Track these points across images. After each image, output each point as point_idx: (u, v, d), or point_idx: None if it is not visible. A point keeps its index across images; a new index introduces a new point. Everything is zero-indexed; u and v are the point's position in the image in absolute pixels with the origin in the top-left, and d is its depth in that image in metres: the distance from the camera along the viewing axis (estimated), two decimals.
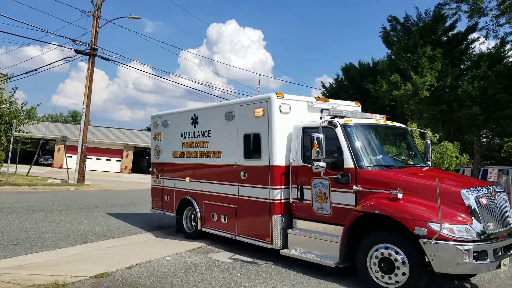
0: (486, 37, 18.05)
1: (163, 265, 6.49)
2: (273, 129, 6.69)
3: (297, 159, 6.59)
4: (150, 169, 10.54)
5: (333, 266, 5.82)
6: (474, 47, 19.41)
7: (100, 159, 47.24)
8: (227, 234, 7.73)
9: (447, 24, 19.12)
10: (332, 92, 28.85)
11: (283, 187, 6.72)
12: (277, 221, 6.66)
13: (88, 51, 22.80)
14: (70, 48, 22.06)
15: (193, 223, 8.73)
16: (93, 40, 22.94)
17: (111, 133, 51.96)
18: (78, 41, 22.16)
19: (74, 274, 5.61)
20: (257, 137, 7.02)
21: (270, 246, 6.73)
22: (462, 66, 18.47)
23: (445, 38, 19.31)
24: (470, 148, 17.90)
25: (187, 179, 8.87)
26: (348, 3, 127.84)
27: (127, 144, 48.31)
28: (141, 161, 61.22)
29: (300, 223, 6.64)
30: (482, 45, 30.58)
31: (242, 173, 7.33)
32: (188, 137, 8.85)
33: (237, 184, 7.47)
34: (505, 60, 17.57)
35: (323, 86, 31.19)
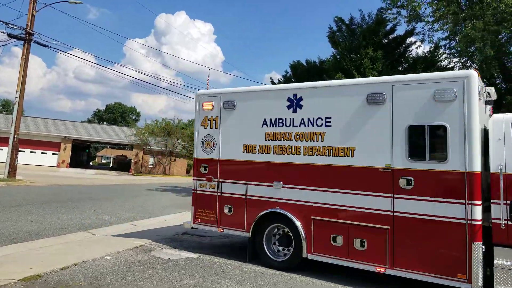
0: (422, 41, 19.27)
1: (102, 264, 6.19)
2: (473, 120, 4.96)
3: (509, 164, 4.92)
4: (192, 168, 8.10)
5: None
6: (411, 50, 20.63)
7: (35, 152, 44.21)
8: (367, 266, 5.53)
9: (388, 27, 20.10)
10: None
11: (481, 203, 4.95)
12: (478, 250, 4.81)
13: (23, 35, 21.19)
14: (3, 32, 20.37)
15: (285, 248, 6.49)
16: (29, 24, 21.34)
17: (47, 125, 48.78)
18: (11, 24, 20.54)
19: (0, 277, 5.17)
20: (438, 130, 5.18)
21: (465, 287, 4.86)
22: (400, 68, 19.52)
23: (386, 41, 20.28)
24: None
25: (277, 184, 6.45)
26: (299, 2, 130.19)
27: (65, 137, 45.58)
28: (81, 155, 58.16)
29: (507, 253, 4.86)
30: (419, 48, 32.57)
31: (403, 180, 5.33)
32: (279, 126, 6.53)
33: (391, 195, 5.41)
34: (438, 63, 18.88)
35: (272, 82, 31.53)
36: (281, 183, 6.41)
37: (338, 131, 5.96)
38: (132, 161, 49.60)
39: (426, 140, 5.24)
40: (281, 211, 6.35)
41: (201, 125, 7.48)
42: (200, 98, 7.56)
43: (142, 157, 49.04)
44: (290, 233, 6.33)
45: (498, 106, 15.03)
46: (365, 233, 5.56)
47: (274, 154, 6.55)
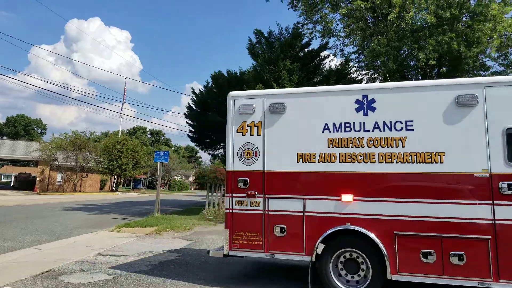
0: (335, 55, 20.60)
1: None
2: None
3: None
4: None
5: None
6: (325, 63, 21.89)
7: None
8: (467, 281, 4.98)
9: (304, 41, 21.09)
10: (201, 99, 28.98)
11: None
12: None
13: None
14: None
15: (355, 273, 5.54)
16: None
17: None
18: None
19: None
20: None
21: None
22: (315, 80, 20.54)
23: (302, 54, 21.24)
24: None
25: (346, 197, 5.57)
26: (220, 9, 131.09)
27: None
28: None
29: None
30: (332, 62, 34.73)
31: (503, 185, 4.97)
32: (346, 131, 5.76)
33: (490, 202, 5.02)
34: (349, 76, 20.28)
35: (193, 92, 31.08)
36: (352, 195, 5.54)
37: (422, 136, 5.40)
38: (37, 178, 45.06)
39: None
40: (355, 227, 5.41)
41: (237, 132, 6.27)
42: (235, 100, 6.37)
43: (49, 174, 44.83)
44: (363, 255, 5.46)
45: None
46: (463, 246, 5.03)
47: (340, 163, 5.70)
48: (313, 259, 5.52)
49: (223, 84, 27.03)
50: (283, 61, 19.51)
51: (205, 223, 14.71)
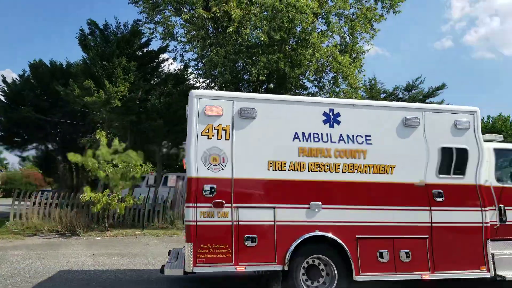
0: (174, 59, 20.36)
1: None
2: (480, 145, 6.37)
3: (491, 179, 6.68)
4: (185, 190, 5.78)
5: None
6: (164, 66, 21.36)
7: None
8: (411, 275, 5.81)
9: (143, 40, 20.13)
10: (14, 91, 24.60)
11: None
12: (489, 245, 6.13)
13: None
14: None
15: (321, 278, 5.72)
16: None
17: None
18: None
19: None
20: (461, 152, 6.28)
21: (487, 275, 6.02)
22: (152, 82, 19.81)
23: (140, 53, 20.22)
24: (153, 157, 19.29)
25: (315, 205, 5.68)
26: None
27: None
28: None
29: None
30: (171, 65, 34.33)
31: (435, 193, 6.08)
32: (315, 141, 5.90)
33: (428, 208, 6.02)
34: (187, 82, 20.22)
35: (4, 81, 26.22)
36: (320, 203, 5.70)
37: (378, 149, 6.03)
38: None
39: (453, 159, 6.21)
40: (322, 234, 5.62)
41: (201, 135, 5.66)
42: (200, 100, 5.79)
43: None
44: (329, 260, 5.71)
45: None
46: (409, 245, 5.85)
47: (309, 171, 5.78)
48: (286, 268, 5.45)
49: (44, 75, 23.67)
50: (119, 58, 18.14)
51: (10, 237, 12.21)
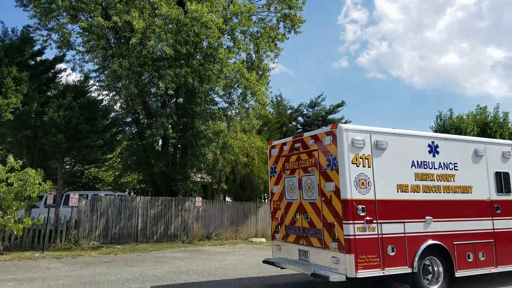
0: (73, 70, 19.05)
1: None
2: None
3: None
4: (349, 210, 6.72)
5: None
6: (61, 77, 19.85)
7: None
8: (484, 270, 7.96)
9: (36, 48, 18.52)
10: None
11: None
12: None
13: None
14: None
15: (434, 276, 7.55)
16: None
17: None
18: None
19: None
20: (506, 175, 8.70)
21: None
22: (49, 94, 18.30)
23: (33, 62, 18.56)
24: (55, 174, 17.84)
25: (429, 219, 7.51)
26: None
27: None
28: None
29: None
30: (69, 76, 31.94)
31: (495, 207, 8.37)
32: (424, 168, 7.73)
33: (491, 218, 8.25)
34: (88, 94, 19.08)
35: None
36: (431, 217, 7.47)
37: (462, 174, 8.05)
38: None
39: (502, 180, 8.57)
40: (437, 242, 7.41)
41: (352, 163, 6.90)
42: (348, 133, 6.98)
43: None
44: (438, 261, 7.49)
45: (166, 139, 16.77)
46: (483, 247, 7.95)
47: (422, 192, 7.54)
48: (415, 270, 7.05)
49: None
50: (8, 67, 16.47)
51: None
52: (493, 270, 8.00)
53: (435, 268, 7.48)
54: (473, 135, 31.20)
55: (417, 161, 7.63)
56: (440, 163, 7.86)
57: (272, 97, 27.43)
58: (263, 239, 18.42)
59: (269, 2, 17.17)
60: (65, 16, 17.07)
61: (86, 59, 18.19)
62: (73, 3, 16.03)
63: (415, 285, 7.04)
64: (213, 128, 16.55)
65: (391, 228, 7.04)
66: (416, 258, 7.07)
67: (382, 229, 6.94)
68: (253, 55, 17.49)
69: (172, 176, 17.60)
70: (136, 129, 19.69)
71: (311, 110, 28.89)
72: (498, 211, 8.30)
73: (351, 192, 6.73)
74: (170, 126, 15.61)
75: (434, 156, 7.85)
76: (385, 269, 6.83)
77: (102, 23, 15.17)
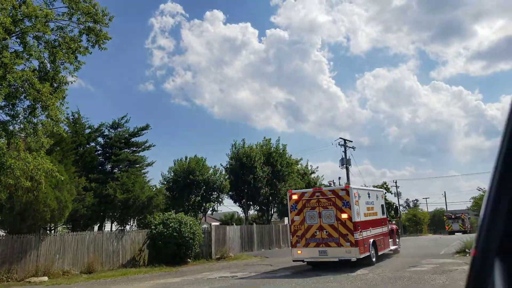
0: None
1: None
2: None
3: None
4: None
5: None
6: None
7: None
8: (386, 251, 18.25)
9: None
10: None
11: None
12: None
13: None
14: None
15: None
16: None
17: None
18: None
19: None
20: (383, 205, 19.33)
21: None
22: None
23: None
24: None
25: (371, 228, 16.30)
26: None
27: None
28: None
29: None
30: None
31: (382, 221, 18.18)
32: (367, 204, 16.68)
33: (382, 226, 17.87)
34: None
35: None
36: (371, 228, 16.17)
37: (375, 206, 18.04)
38: None
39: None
40: (373, 239, 16.02)
41: (354, 204, 15.12)
42: (353, 190, 15.27)
43: None
44: (373, 248, 15.70)
45: None
46: (383, 240, 17.77)
47: (369, 216, 16.48)
48: (371, 252, 15.39)
49: None
50: None
51: None
52: (387, 250, 17.74)
53: (373, 252, 15.33)
54: (260, 163, 35.82)
55: (366, 201, 16.02)
56: (369, 201, 16.20)
57: (68, 114, 24.57)
58: (45, 278, 15.81)
59: (71, 12, 15.48)
60: None
61: None
62: None
63: (370, 260, 14.89)
64: None
65: (364, 234, 14.66)
66: (370, 247, 15.09)
67: (362, 235, 14.50)
68: (48, 65, 15.30)
69: None
70: None
71: (113, 131, 27.19)
72: (383, 223, 17.47)
73: (356, 218, 14.30)
74: None
75: (369, 197, 16.40)
76: (365, 253, 14.37)
77: None
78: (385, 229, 17.59)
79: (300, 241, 14.87)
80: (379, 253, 16.08)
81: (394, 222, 21.60)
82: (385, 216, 18.12)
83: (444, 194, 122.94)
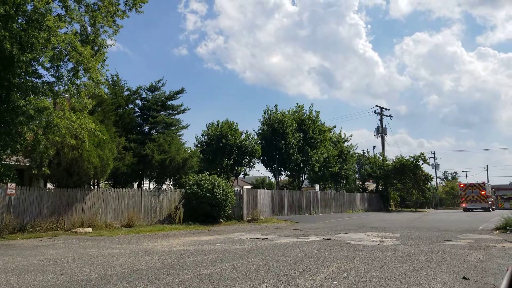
0: None
1: None
2: None
3: None
4: None
5: None
6: None
7: None
8: None
9: None
10: None
11: None
12: None
13: None
14: None
15: None
16: None
17: None
18: None
19: None
20: None
21: None
22: None
23: None
24: None
25: None
26: None
27: None
28: None
29: None
30: None
31: None
32: None
33: None
34: None
35: None
36: None
37: None
38: None
39: None
40: None
41: None
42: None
43: None
44: None
45: None
46: None
47: None
48: None
49: None
50: None
51: None
52: None
53: None
54: (292, 130, 35.85)
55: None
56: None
57: (107, 76, 25.40)
58: (89, 229, 17.16)
59: None
60: None
61: None
62: None
63: None
64: (35, 104, 14.35)
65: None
66: None
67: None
68: (89, 28, 15.81)
69: None
70: None
71: (150, 94, 27.95)
72: None
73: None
74: None
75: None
76: None
77: None
78: None
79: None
80: None
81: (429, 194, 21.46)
82: None
83: (486, 168, 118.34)
